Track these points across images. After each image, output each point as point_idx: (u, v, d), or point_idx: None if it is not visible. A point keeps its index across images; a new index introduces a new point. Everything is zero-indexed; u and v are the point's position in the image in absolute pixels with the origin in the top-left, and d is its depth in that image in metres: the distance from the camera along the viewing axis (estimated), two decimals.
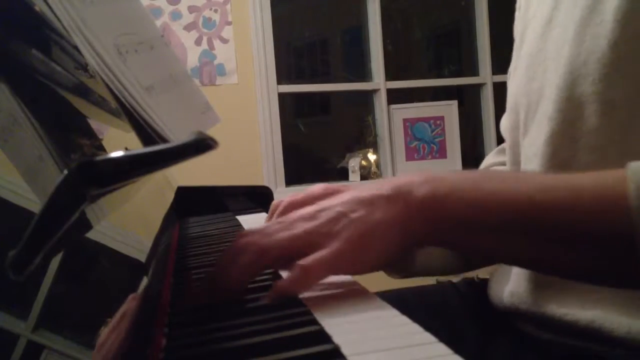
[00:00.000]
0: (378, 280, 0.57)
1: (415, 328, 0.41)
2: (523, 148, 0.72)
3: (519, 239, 0.48)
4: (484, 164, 0.97)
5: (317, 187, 0.68)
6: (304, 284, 0.48)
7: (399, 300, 0.47)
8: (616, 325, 0.57)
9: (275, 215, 0.63)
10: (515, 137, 0.75)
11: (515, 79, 0.77)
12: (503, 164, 0.92)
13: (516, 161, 0.75)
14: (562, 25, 0.66)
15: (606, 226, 0.45)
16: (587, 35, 0.61)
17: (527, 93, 0.71)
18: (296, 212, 0.53)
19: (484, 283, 0.80)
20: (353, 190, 0.53)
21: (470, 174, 0.52)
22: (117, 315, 0.37)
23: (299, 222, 0.51)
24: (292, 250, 0.49)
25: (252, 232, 0.52)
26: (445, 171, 0.53)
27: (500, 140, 0.90)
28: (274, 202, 0.68)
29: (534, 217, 0.47)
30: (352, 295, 0.50)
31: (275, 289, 0.48)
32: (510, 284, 0.69)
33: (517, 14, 0.83)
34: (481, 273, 0.83)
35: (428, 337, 0.38)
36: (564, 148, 0.63)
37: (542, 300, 0.64)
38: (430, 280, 0.92)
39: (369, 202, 0.50)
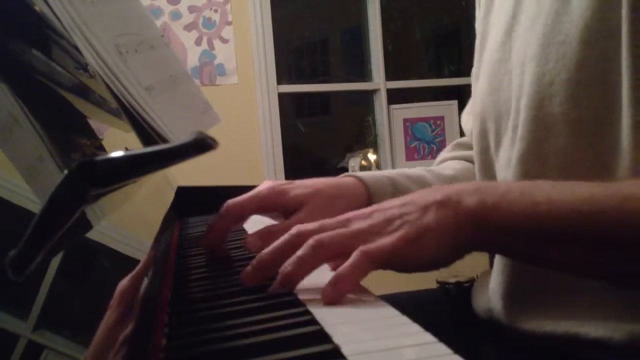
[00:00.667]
0: (374, 284, 0.57)
1: (415, 328, 0.41)
2: (498, 157, 0.72)
3: (566, 247, 0.50)
4: (439, 158, 0.96)
5: (264, 186, 0.69)
6: (365, 270, 0.49)
7: (392, 304, 0.47)
8: (592, 331, 0.58)
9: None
10: (485, 144, 0.75)
11: (479, 85, 0.77)
12: (462, 157, 0.92)
13: (486, 167, 0.75)
14: (523, 39, 0.66)
15: None
16: (550, 54, 0.60)
17: (494, 103, 0.71)
18: (352, 212, 0.55)
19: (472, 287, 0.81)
20: (409, 195, 0.55)
21: (518, 184, 0.55)
22: (117, 315, 0.37)
23: (354, 220, 0.54)
24: (347, 247, 0.51)
25: (307, 226, 0.53)
26: (491, 182, 0.54)
27: None
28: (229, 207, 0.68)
29: (582, 227, 0.49)
30: (352, 295, 0.50)
31: (337, 276, 0.49)
32: (488, 300, 0.70)
33: (477, 13, 0.83)
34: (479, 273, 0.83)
35: (428, 337, 0.38)
36: (534, 168, 0.63)
37: (517, 316, 0.65)
38: (431, 283, 0.92)
39: (422, 207, 0.52)
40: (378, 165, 3.12)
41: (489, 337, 0.72)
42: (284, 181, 0.73)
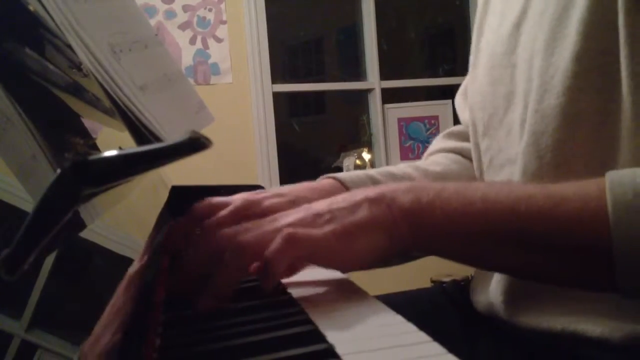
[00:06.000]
0: (367, 284, 0.57)
1: (410, 327, 0.41)
2: (482, 147, 0.72)
3: (501, 248, 0.49)
4: (429, 150, 0.94)
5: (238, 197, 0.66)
6: (288, 254, 0.47)
7: (388, 304, 0.47)
8: (590, 329, 0.58)
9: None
10: (474, 133, 0.75)
11: (478, 74, 0.76)
12: (451, 150, 0.90)
13: (477, 157, 0.75)
14: (531, 34, 0.65)
15: (586, 237, 0.45)
16: (556, 48, 0.60)
17: (492, 94, 0.71)
18: (278, 213, 0.53)
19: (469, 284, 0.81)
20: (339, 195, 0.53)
21: (452, 184, 0.53)
22: (111, 314, 0.37)
23: (282, 217, 0.51)
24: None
25: (233, 229, 0.51)
26: (429, 182, 0.53)
27: None
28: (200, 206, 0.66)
29: (517, 227, 0.48)
30: (346, 294, 0.50)
31: (265, 263, 0.47)
32: (488, 294, 0.70)
33: None
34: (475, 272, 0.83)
35: (422, 336, 0.38)
36: (531, 164, 0.63)
37: (516, 311, 0.65)
38: (425, 282, 0.92)
39: (353, 204, 0.50)
40: (373, 165, 3.13)
41: (488, 332, 0.72)
42: (262, 190, 0.71)
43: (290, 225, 0.49)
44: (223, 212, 0.66)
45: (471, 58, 0.81)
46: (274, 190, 0.71)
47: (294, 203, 0.67)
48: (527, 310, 0.64)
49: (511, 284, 0.66)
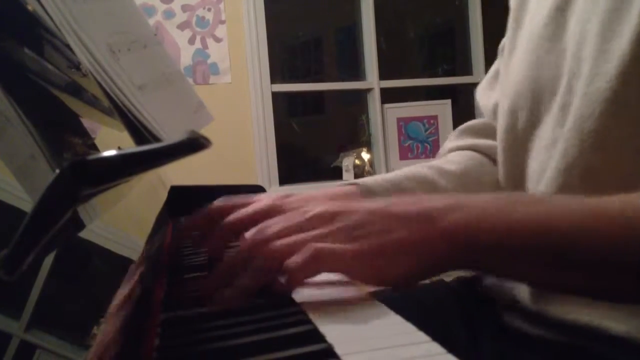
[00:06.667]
0: None
1: (409, 327, 0.41)
2: (536, 136, 0.70)
3: (546, 265, 0.48)
4: (444, 149, 0.92)
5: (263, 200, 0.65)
6: (311, 268, 0.47)
7: (390, 299, 0.46)
8: (615, 325, 0.57)
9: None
10: (513, 121, 0.73)
11: (515, 61, 0.75)
12: (467, 147, 0.89)
13: (516, 145, 0.73)
14: (582, 17, 0.64)
15: (633, 253, 0.45)
16: (614, 31, 0.59)
17: (535, 79, 0.69)
18: (311, 211, 0.51)
19: (475, 280, 0.80)
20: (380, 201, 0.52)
21: (496, 199, 0.51)
22: (110, 314, 0.37)
23: (315, 221, 0.51)
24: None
25: (262, 231, 0.51)
26: (470, 196, 0.52)
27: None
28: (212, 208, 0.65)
29: (561, 244, 0.47)
30: (345, 294, 0.50)
31: (287, 272, 0.47)
32: (511, 284, 0.69)
33: None
34: None
35: (422, 336, 0.38)
36: (573, 146, 0.61)
37: (543, 300, 0.64)
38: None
39: (395, 218, 0.49)
40: (372, 165, 3.13)
41: (492, 329, 0.71)
42: (286, 194, 0.71)
43: (322, 237, 0.49)
44: (245, 211, 0.65)
45: (505, 45, 0.80)
46: (295, 195, 0.70)
47: None
48: (554, 300, 0.63)
49: None
